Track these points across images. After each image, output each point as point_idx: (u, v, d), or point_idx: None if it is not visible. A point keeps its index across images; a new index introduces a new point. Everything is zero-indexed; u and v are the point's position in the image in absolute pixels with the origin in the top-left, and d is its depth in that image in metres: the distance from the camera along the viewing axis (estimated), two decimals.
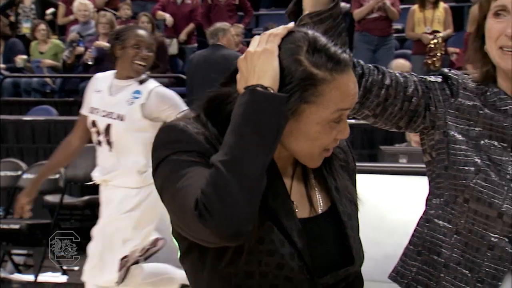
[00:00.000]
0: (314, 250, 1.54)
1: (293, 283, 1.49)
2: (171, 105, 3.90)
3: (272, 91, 1.41)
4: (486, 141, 1.85)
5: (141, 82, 3.97)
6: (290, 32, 1.50)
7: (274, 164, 1.51)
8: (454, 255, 1.85)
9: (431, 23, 8.18)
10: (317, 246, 1.55)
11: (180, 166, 1.42)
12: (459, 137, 1.85)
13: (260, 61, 1.44)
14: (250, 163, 1.37)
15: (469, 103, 1.87)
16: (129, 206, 3.90)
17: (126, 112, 3.88)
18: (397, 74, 1.86)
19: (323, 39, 1.49)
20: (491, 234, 1.82)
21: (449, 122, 1.85)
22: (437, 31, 8.09)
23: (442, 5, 8.32)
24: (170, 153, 1.45)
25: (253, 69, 1.44)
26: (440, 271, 1.87)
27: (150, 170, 1.52)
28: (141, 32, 4.05)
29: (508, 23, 1.80)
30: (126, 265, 3.89)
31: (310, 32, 1.50)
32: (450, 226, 1.87)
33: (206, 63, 7.14)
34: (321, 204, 1.60)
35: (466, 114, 1.86)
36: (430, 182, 1.94)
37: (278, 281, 1.48)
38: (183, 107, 3.90)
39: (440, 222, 1.88)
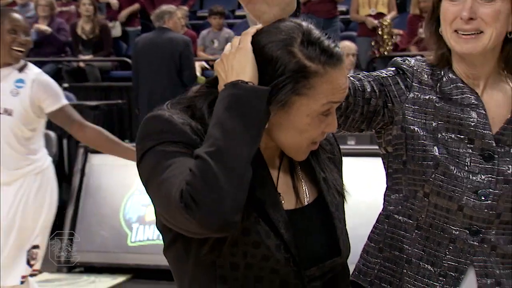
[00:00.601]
0: (301, 242, 1.53)
1: (279, 275, 1.49)
2: (51, 94, 3.75)
3: (253, 84, 1.42)
4: (443, 134, 1.84)
5: (21, 69, 3.76)
6: (280, 22, 1.50)
7: (260, 155, 1.52)
8: (416, 250, 1.85)
9: (376, 5, 8.28)
10: (303, 237, 1.55)
11: (166, 156, 1.42)
12: (417, 131, 1.84)
13: (236, 60, 1.45)
14: (236, 154, 1.37)
15: (425, 97, 1.86)
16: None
17: (13, 106, 3.68)
18: (352, 79, 1.83)
19: (317, 32, 1.49)
20: (452, 227, 1.83)
21: (406, 117, 1.84)
22: (382, 13, 8.22)
23: None
24: (155, 144, 1.44)
25: (230, 68, 1.45)
26: (403, 267, 1.86)
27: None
28: (16, 15, 3.81)
29: (463, 6, 1.79)
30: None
31: (304, 24, 1.50)
32: (411, 221, 1.86)
33: (152, 46, 7.09)
34: (308, 195, 1.61)
35: (423, 108, 1.85)
36: (387, 176, 1.93)
37: (263, 273, 1.48)
38: (63, 97, 3.78)
39: (401, 217, 1.88)
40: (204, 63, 8.89)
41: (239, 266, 1.47)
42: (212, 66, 9.14)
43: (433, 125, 1.84)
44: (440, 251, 1.83)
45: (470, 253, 1.82)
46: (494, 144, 1.82)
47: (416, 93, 1.85)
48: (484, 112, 1.83)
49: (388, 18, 8.12)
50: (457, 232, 1.83)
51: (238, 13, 11.02)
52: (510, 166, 1.81)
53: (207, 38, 9.29)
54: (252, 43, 1.49)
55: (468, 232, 1.82)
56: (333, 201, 1.61)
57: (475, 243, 1.82)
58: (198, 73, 7.87)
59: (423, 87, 1.87)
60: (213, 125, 1.41)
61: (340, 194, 1.64)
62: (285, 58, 1.46)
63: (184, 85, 6.97)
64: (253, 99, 1.40)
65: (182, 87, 6.96)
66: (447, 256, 1.83)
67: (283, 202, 1.55)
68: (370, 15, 8.24)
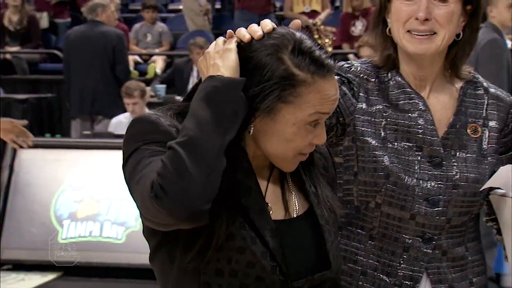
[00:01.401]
0: (289, 252, 1.52)
1: (265, 283, 1.48)
2: None
3: (229, 77, 1.43)
4: (393, 143, 1.83)
5: None
6: (275, 28, 1.50)
7: (248, 162, 1.52)
8: (370, 261, 1.84)
9: (310, 2, 8.38)
10: (291, 248, 1.53)
11: (147, 155, 1.43)
12: (367, 141, 1.82)
13: (219, 58, 1.46)
14: (206, 144, 1.38)
15: (372, 108, 1.84)
16: None
17: None
18: None
19: (309, 42, 1.49)
20: (405, 236, 1.82)
21: (357, 128, 1.83)
22: (316, 11, 8.32)
23: None
24: (140, 145, 1.46)
25: (212, 65, 1.46)
26: (358, 279, 1.85)
27: None
28: None
29: (418, 6, 1.79)
30: None
31: (297, 33, 1.50)
32: (364, 233, 1.85)
33: (84, 39, 6.98)
34: (298, 207, 1.59)
35: (372, 118, 1.84)
36: (338, 188, 1.89)
37: (249, 280, 1.47)
38: None
39: (353, 229, 1.86)
40: (137, 57, 8.84)
41: (224, 273, 1.47)
42: (145, 60, 9.09)
43: (382, 134, 1.83)
44: (395, 260, 1.83)
45: (424, 260, 1.83)
46: (442, 151, 1.82)
47: (364, 104, 1.84)
48: (431, 118, 1.83)
49: (320, 18, 8.20)
50: (410, 241, 1.83)
51: (171, 7, 10.98)
52: (457, 171, 1.82)
53: (140, 32, 9.21)
54: (244, 46, 1.48)
55: (421, 240, 1.83)
56: (323, 215, 1.59)
57: (428, 250, 1.83)
58: (131, 67, 7.82)
59: (370, 97, 1.85)
60: (188, 116, 1.42)
61: (332, 211, 1.61)
62: (273, 64, 1.46)
63: (117, 79, 6.92)
64: (228, 90, 1.41)
65: (115, 82, 6.91)
66: (402, 265, 1.83)
67: (271, 212, 1.55)
68: (304, 13, 8.31)
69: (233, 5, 8.59)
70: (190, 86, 7.76)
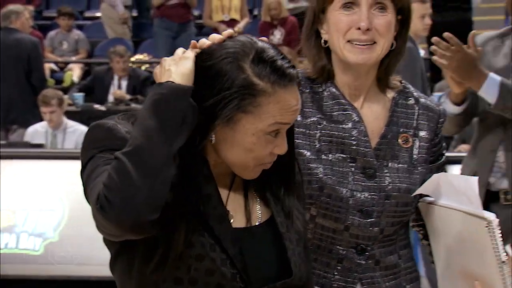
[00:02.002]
0: (249, 260, 1.51)
1: None
2: None
3: (178, 83, 1.41)
4: (328, 154, 1.83)
5: None
6: (236, 36, 1.51)
7: (208, 169, 1.51)
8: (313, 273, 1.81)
9: (229, 11, 8.42)
10: (252, 256, 1.52)
11: (103, 164, 1.41)
12: (302, 154, 1.81)
13: (173, 64, 1.45)
14: (152, 153, 1.36)
15: (307, 120, 1.84)
16: None
17: None
18: None
19: (271, 51, 1.48)
20: (339, 247, 1.83)
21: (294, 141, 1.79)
22: (235, 20, 8.37)
23: None
24: (96, 152, 1.44)
25: (166, 71, 1.44)
26: None
27: None
28: None
29: (359, 16, 1.79)
30: None
31: (259, 42, 1.50)
32: None
33: None
34: (261, 216, 1.58)
35: (307, 131, 1.84)
36: None
37: None
38: None
39: None
40: (53, 65, 8.69)
41: (183, 281, 1.46)
42: (61, 68, 8.94)
43: (317, 146, 1.83)
44: (329, 272, 1.83)
45: (358, 271, 1.84)
46: (375, 162, 1.83)
47: (299, 116, 1.79)
48: (364, 129, 1.84)
49: (239, 27, 8.25)
50: (344, 252, 1.83)
51: (87, 14, 10.85)
52: (389, 181, 1.83)
53: (56, 39, 9.08)
54: (205, 55, 1.48)
55: (354, 250, 1.83)
56: (284, 222, 1.58)
57: (361, 261, 1.84)
58: (47, 75, 7.68)
59: (304, 109, 1.84)
60: (135, 125, 1.41)
61: (295, 218, 1.60)
62: (233, 72, 1.45)
63: (33, 87, 6.79)
64: (175, 98, 1.40)
65: (31, 90, 6.77)
66: (336, 277, 1.84)
67: (232, 220, 1.54)
68: (223, 21, 8.35)
69: (150, 13, 8.56)
70: (111, 94, 7.70)
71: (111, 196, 1.33)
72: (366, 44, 1.80)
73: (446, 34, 2.83)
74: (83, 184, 1.45)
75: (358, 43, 1.80)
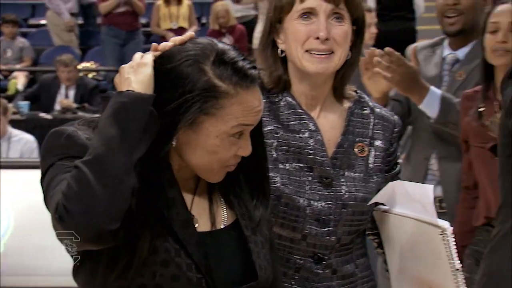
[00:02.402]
0: (214, 264, 1.50)
1: None
2: None
3: (137, 92, 1.40)
4: (285, 163, 1.83)
5: None
6: (196, 39, 1.50)
7: (172, 174, 1.50)
8: None
9: (177, 19, 8.40)
10: (217, 260, 1.51)
11: (63, 172, 1.39)
12: None
13: (133, 73, 1.43)
14: (113, 162, 1.34)
15: (264, 129, 1.78)
16: None
17: None
18: None
19: (232, 52, 1.48)
20: (296, 257, 1.83)
21: None
22: (183, 28, 8.34)
23: (186, 2, 8.52)
24: (55, 160, 1.42)
25: (125, 80, 1.43)
26: None
27: None
28: None
29: (318, 26, 1.80)
30: None
31: (220, 43, 1.50)
32: None
33: None
34: (226, 219, 1.58)
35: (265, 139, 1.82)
36: None
37: None
38: None
39: None
40: None
41: (148, 287, 1.44)
42: (5, 76, 8.78)
43: (274, 155, 1.82)
44: (286, 281, 1.82)
45: (315, 280, 1.84)
46: (331, 171, 1.83)
47: None
48: (321, 139, 1.84)
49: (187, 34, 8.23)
50: (302, 261, 1.83)
51: (32, 21, 10.69)
52: (346, 190, 1.83)
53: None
54: (165, 58, 1.47)
55: (312, 260, 1.83)
56: (249, 225, 1.57)
57: (319, 270, 1.83)
58: None
59: (263, 117, 1.80)
60: (95, 134, 1.39)
61: (259, 220, 1.60)
62: (195, 75, 1.44)
63: None
64: (135, 106, 1.38)
65: None
66: (293, 286, 1.83)
67: (197, 224, 1.53)
68: (171, 29, 8.32)
69: (97, 20, 8.47)
70: (57, 103, 7.59)
71: (70, 206, 1.31)
72: (325, 54, 1.81)
73: (387, 49, 2.85)
74: (43, 193, 1.43)
75: (316, 53, 1.81)
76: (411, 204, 1.79)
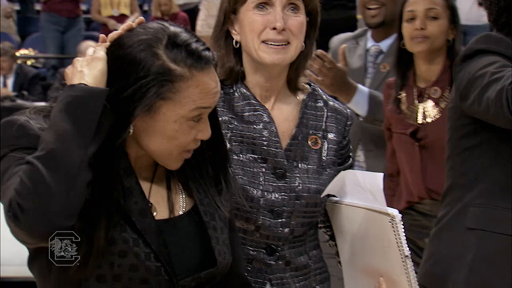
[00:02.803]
0: (173, 251, 1.48)
1: (151, 285, 1.44)
2: None
3: (91, 86, 1.36)
4: (239, 154, 1.82)
5: None
6: (147, 23, 1.48)
7: (128, 163, 1.47)
8: None
9: (118, 6, 8.28)
10: (176, 247, 1.49)
11: (16, 164, 1.35)
12: None
13: (85, 65, 1.41)
14: (67, 157, 1.31)
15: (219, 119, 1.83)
16: None
17: None
18: None
19: (184, 35, 1.45)
20: (249, 248, 1.82)
21: None
22: (125, 15, 8.24)
23: None
24: (7, 151, 1.38)
25: (78, 72, 1.40)
26: None
27: None
28: None
29: (274, 17, 1.78)
30: None
31: (171, 26, 1.46)
32: None
33: None
34: (185, 206, 1.55)
35: None
36: None
37: (133, 284, 1.42)
38: None
39: None
40: None
41: (106, 278, 1.42)
42: None
43: (228, 146, 1.79)
44: None
45: (268, 272, 1.83)
46: (285, 162, 1.83)
47: None
48: (275, 130, 1.83)
49: (129, 21, 8.14)
50: (255, 253, 1.82)
51: None
52: (299, 182, 1.83)
53: None
54: (117, 45, 1.45)
55: (265, 251, 1.83)
56: (207, 210, 1.55)
57: (272, 262, 1.83)
58: None
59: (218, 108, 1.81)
60: (47, 128, 1.35)
61: (218, 206, 1.59)
62: (148, 59, 1.41)
63: None
64: (89, 100, 1.35)
65: None
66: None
67: (155, 212, 1.50)
68: (112, 16, 8.21)
69: (35, 6, 8.29)
70: None
71: (24, 204, 1.28)
72: (281, 45, 1.80)
73: (320, 52, 2.86)
74: None
75: (273, 43, 1.80)
76: (361, 193, 1.80)
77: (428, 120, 2.78)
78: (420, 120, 2.82)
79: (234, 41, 1.85)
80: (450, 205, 2.17)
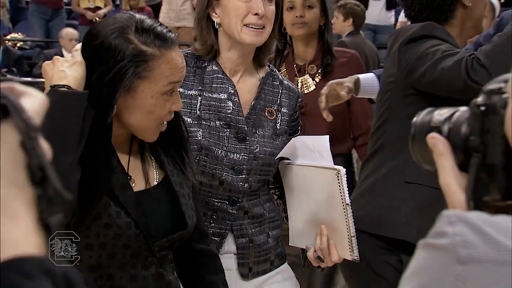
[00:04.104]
0: (150, 218, 1.44)
1: (131, 249, 1.39)
2: None
3: (73, 89, 1.26)
4: (207, 120, 1.78)
5: None
6: (116, 14, 1.41)
7: (109, 143, 1.39)
8: None
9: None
10: (152, 214, 1.45)
11: None
12: (184, 120, 1.70)
13: (67, 67, 1.33)
14: (56, 164, 1.19)
15: (190, 92, 1.79)
16: None
17: None
18: None
19: (149, 21, 1.40)
20: (214, 200, 1.79)
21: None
22: (99, 7, 8.05)
23: None
24: None
25: (60, 72, 1.31)
26: None
27: None
28: None
29: (256, 4, 1.76)
30: None
31: (137, 14, 1.41)
32: None
33: None
34: (158, 177, 1.50)
35: (189, 100, 1.78)
36: None
37: (116, 249, 1.38)
38: None
39: None
40: None
41: (93, 246, 1.37)
42: None
43: (197, 114, 1.77)
44: (206, 221, 1.79)
45: (230, 219, 1.81)
46: (246, 128, 1.80)
47: (181, 88, 1.74)
48: (238, 101, 1.80)
49: (99, 13, 7.96)
50: (219, 204, 1.80)
51: None
52: (257, 145, 1.80)
53: None
54: (91, 36, 1.36)
55: (227, 202, 1.80)
56: (177, 180, 1.50)
57: (233, 211, 1.81)
58: None
59: (186, 82, 1.78)
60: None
61: (184, 173, 1.53)
62: (122, 45, 1.35)
63: None
64: (71, 104, 1.26)
65: None
66: (212, 225, 1.80)
67: (134, 184, 1.45)
68: (89, 8, 8.03)
69: None
70: None
71: None
72: (259, 28, 1.77)
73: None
74: None
75: (254, 27, 1.76)
76: (311, 154, 1.77)
77: (306, 91, 2.75)
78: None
79: (216, 23, 1.80)
80: (382, 162, 2.10)
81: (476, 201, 0.76)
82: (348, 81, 2.37)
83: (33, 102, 0.64)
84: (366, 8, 6.20)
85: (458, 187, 0.78)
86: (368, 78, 2.42)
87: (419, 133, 0.85)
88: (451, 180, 0.79)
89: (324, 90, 2.33)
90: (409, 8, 2.11)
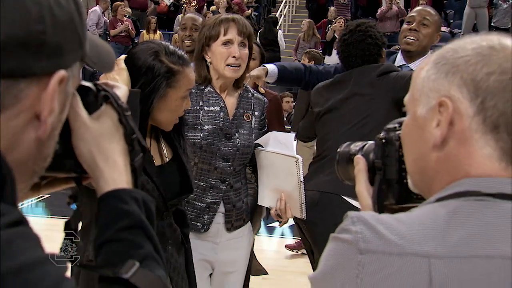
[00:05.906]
0: (166, 185, 1.73)
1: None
2: None
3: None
4: (205, 126, 2.23)
5: None
6: (145, 42, 1.73)
7: (145, 131, 1.70)
8: (192, 195, 2.14)
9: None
10: (167, 182, 1.74)
11: None
12: (191, 124, 2.20)
13: (116, 74, 1.61)
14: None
15: (193, 107, 2.22)
16: None
17: None
18: None
19: (171, 47, 1.71)
20: (211, 180, 2.26)
21: (185, 119, 1.99)
22: None
23: None
24: None
25: (112, 79, 1.55)
26: (185, 205, 2.22)
27: None
28: None
29: (234, 50, 2.19)
30: None
31: (162, 42, 1.73)
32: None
33: None
34: (167, 155, 1.81)
35: (193, 113, 2.22)
36: None
37: None
38: None
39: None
40: None
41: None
42: None
43: (199, 121, 2.22)
44: (205, 194, 2.26)
45: (221, 192, 2.29)
46: (231, 130, 2.26)
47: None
48: (226, 111, 2.27)
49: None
50: (214, 182, 2.27)
51: None
52: (239, 140, 2.26)
53: None
54: (132, 59, 1.66)
55: (220, 181, 2.27)
56: (184, 157, 1.84)
57: (223, 187, 2.28)
58: None
59: (192, 101, 2.19)
60: None
61: (186, 153, 1.86)
62: (158, 64, 1.67)
63: None
64: (131, 99, 1.43)
65: None
66: (209, 196, 2.27)
67: (154, 160, 1.77)
68: None
69: None
70: None
71: None
72: (236, 66, 2.23)
73: None
74: None
75: (233, 65, 2.23)
76: (279, 145, 2.26)
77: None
78: None
79: (208, 62, 2.28)
80: (329, 150, 2.51)
81: (379, 205, 0.93)
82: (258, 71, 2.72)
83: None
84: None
85: (368, 194, 0.94)
86: (272, 70, 2.81)
87: (342, 159, 1.05)
88: (364, 189, 0.94)
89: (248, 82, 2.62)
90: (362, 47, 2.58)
